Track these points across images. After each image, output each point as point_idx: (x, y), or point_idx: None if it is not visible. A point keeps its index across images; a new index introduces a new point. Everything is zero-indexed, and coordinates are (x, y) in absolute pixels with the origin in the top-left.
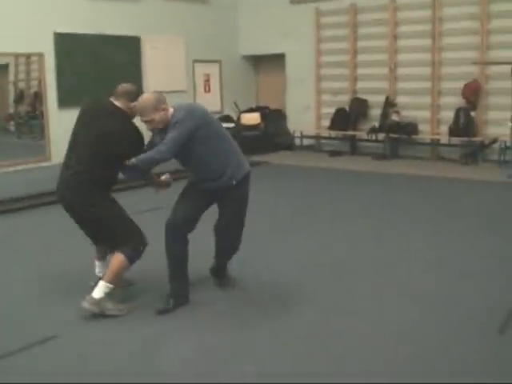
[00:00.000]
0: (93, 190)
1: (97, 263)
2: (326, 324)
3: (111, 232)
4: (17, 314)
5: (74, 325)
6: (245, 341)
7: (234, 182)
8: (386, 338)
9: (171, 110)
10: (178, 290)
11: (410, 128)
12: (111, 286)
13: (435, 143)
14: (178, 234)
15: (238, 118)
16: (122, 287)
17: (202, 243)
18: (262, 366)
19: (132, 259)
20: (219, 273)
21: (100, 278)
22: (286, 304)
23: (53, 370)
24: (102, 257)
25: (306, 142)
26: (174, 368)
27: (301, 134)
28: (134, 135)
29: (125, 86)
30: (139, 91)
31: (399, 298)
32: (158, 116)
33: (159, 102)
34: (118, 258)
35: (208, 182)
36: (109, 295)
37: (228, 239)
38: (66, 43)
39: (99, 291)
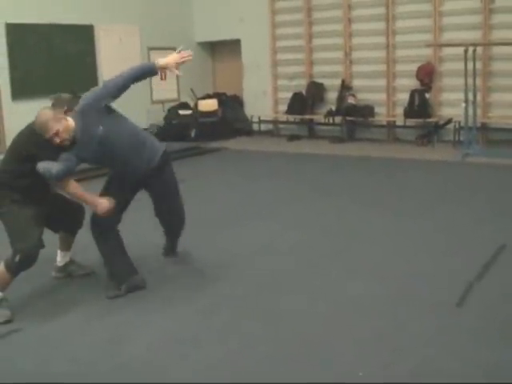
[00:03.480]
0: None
1: (59, 253)
2: (280, 305)
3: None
4: None
5: (34, 316)
6: (201, 325)
7: (154, 164)
8: (343, 315)
9: (71, 121)
10: (126, 274)
11: (366, 111)
12: None
13: (391, 125)
14: (105, 232)
15: (196, 105)
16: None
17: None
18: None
19: (10, 269)
20: (173, 251)
21: (60, 268)
22: (240, 286)
23: (19, 362)
24: (65, 247)
25: (264, 127)
26: (143, 354)
27: (259, 119)
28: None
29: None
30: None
31: (358, 275)
32: (61, 126)
33: (56, 113)
34: (1, 265)
35: (132, 173)
36: None
37: (175, 218)
38: (18, 34)
39: None
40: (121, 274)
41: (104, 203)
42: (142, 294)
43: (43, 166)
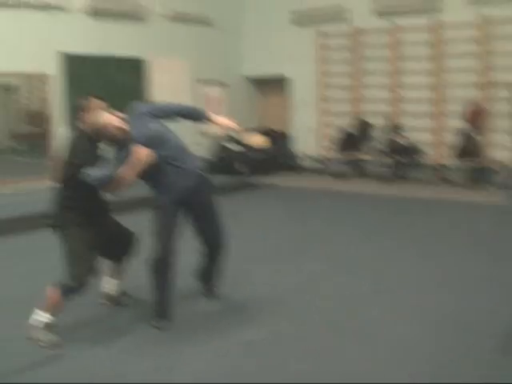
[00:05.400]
0: (60, 211)
1: (108, 280)
2: (319, 342)
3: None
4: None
5: (81, 343)
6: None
7: (201, 172)
8: (388, 356)
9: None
10: (167, 311)
11: (415, 151)
12: (48, 316)
13: (439, 166)
14: (170, 265)
15: (245, 140)
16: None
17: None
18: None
19: (62, 293)
20: (213, 279)
21: (108, 295)
22: (284, 323)
23: None
24: (115, 275)
25: (311, 164)
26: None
27: (306, 155)
28: (72, 147)
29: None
30: (79, 103)
31: (397, 317)
32: (118, 117)
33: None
34: (54, 288)
35: (181, 179)
36: (46, 325)
37: (220, 236)
38: (73, 64)
39: (32, 317)
40: (165, 310)
41: (138, 150)
42: (188, 327)
43: (87, 175)
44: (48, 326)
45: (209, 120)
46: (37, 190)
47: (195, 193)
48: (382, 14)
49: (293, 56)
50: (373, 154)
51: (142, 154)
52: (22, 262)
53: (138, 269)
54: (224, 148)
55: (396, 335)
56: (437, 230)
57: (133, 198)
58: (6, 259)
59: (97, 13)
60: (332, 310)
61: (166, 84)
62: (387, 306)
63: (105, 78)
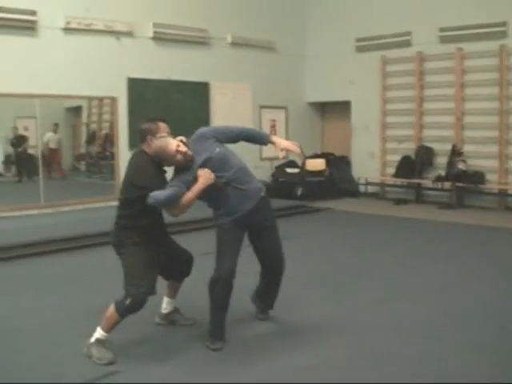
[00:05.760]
0: (120, 230)
1: (165, 299)
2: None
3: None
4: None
5: (134, 360)
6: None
7: (263, 194)
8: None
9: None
10: (223, 332)
11: (477, 177)
12: (103, 333)
13: (503, 193)
14: (230, 285)
15: (303, 164)
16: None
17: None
18: None
19: (118, 311)
20: (268, 301)
21: (164, 315)
22: (341, 349)
23: None
24: (172, 294)
25: (370, 189)
26: None
27: (365, 180)
28: (136, 169)
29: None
30: (145, 127)
31: (454, 349)
32: (178, 141)
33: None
34: (111, 306)
35: (244, 201)
36: (99, 342)
37: (280, 257)
38: (138, 88)
39: (94, 336)
40: (221, 331)
41: (201, 173)
42: (241, 349)
43: (152, 196)
44: (100, 342)
45: (271, 143)
46: (101, 210)
47: (256, 215)
48: (447, 39)
49: (355, 81)
50: (433, 179)
51: (206, 176)
52: (90, 278)
53: (193, 289)
54: (282, 171)
55: (451, 367)
56: (499, 259)
57: (188, 220)
58: (71, 275)
59: (162, 38)
60: (388, 337)
61: (229, 108)
62: (445, 338)
63: (169, 102)
